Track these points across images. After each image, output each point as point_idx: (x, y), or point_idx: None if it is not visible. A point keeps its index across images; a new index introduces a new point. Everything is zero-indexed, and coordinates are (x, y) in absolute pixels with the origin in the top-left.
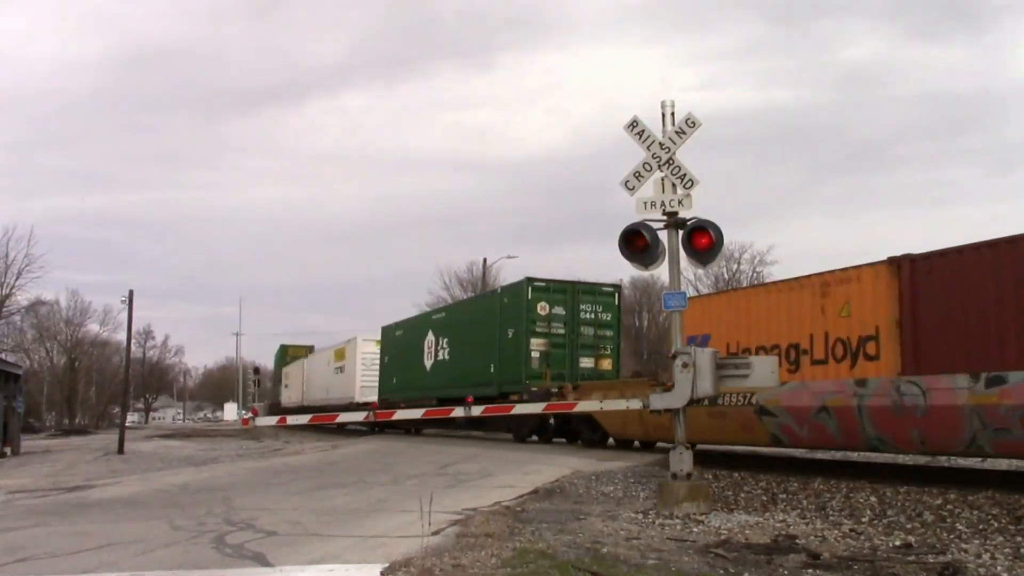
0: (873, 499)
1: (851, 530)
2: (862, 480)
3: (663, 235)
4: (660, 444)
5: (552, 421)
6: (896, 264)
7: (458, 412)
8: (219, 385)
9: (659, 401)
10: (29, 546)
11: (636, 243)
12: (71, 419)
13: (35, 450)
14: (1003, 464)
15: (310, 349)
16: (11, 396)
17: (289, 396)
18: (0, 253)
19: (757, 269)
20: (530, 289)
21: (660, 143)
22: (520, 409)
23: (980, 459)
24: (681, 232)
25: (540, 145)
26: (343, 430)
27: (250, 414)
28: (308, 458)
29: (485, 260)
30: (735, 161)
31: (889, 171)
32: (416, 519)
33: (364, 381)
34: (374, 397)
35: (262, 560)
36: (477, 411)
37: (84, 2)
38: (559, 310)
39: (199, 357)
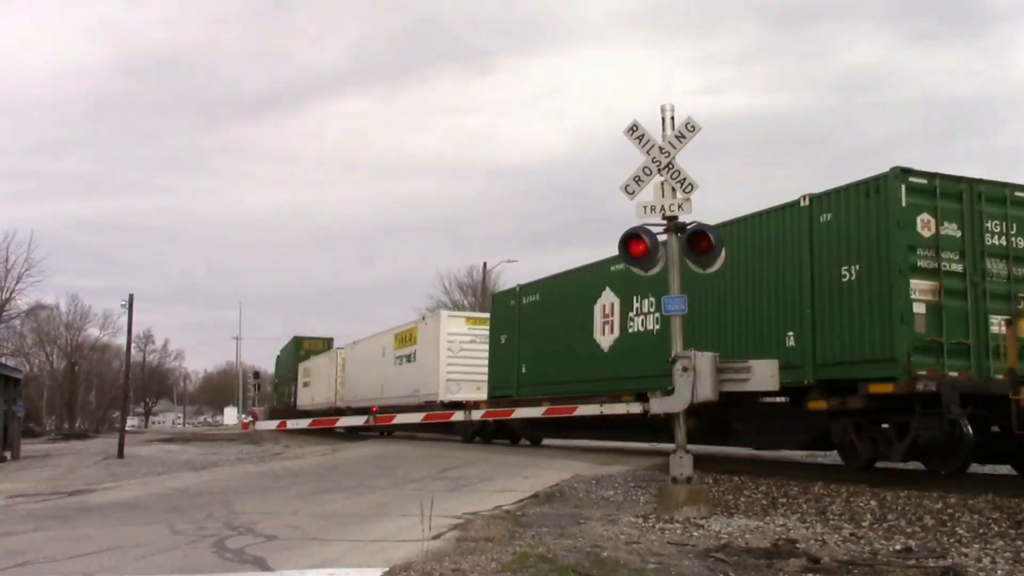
0: (873, 503)
1: (851, 534)
2: (862, 484)
3: (663, 239)
4: (660, 447)
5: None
6: None
7: (457, 416)
8: (219, 389)
9: (659, 405)
10: (29, 550)
11: (636, 247)
12: (71, 423)
13: (35, 454)
14: (1004, 468)
15: (329, 342)
16: (11, 400)
17: (313, 396)
18: (0, 257)
19: None
20: (904, 190)
21: (660, 147)
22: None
23: (981, 464)
24: (681, 236)
25: (540, 149)
26: (353, 434)
27: (250, 418)
28: (308, 462)
29: (485, 264)
30: (735, 164)
31: None
32: (416, 523)
33: (451, 372)
34: (470, 393)
35: (262, 564)
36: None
37: (86, 8)
38: (952, 228)
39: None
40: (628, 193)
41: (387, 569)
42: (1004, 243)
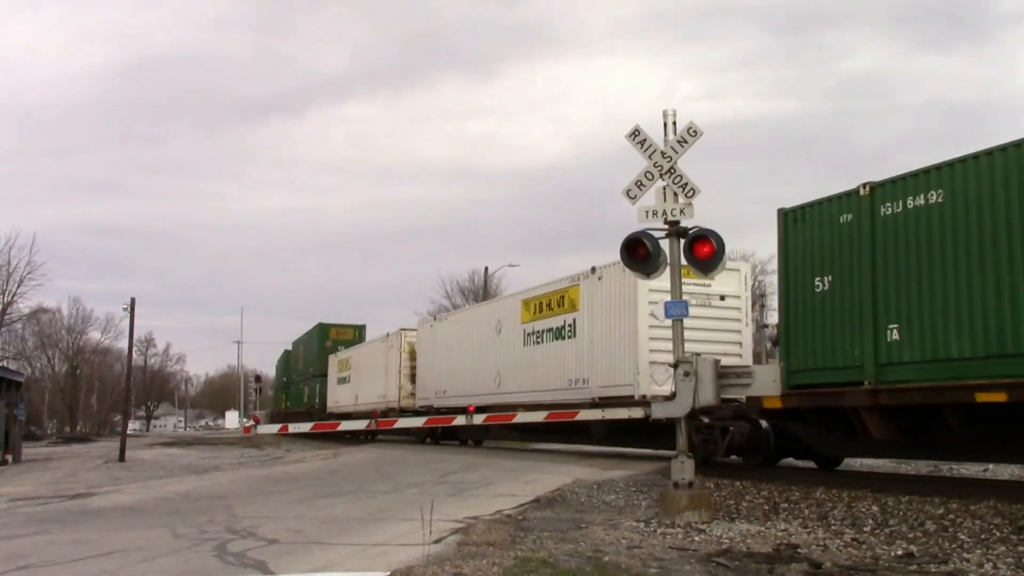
0: (875, 508)
1: (853, 539)
2: (864, 489)
3: (665, 244)
4: (661, 452)
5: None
6: None
7: (459, 420)
8: (220, 393)
9: (661, 410)
10: (30, 554)
11: (638, 252)
12: (72, 427)
13: (36, 458)
14: (1005, 473)
15: (360, 330)
16: (13, 404)
17: (356, 395)
18: (2, 261)
19: (759, 278)
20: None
21: (662, 152)
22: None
23: (982, 468)
24: (683, 241)
25: (543, 154)
26: (345, 437)
27: (252, 422)
28: (309, 466)
29: (487, 268)
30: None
31: None
32: (417, 527)
33: (656, 352)
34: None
35: (264, 568)
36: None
37: (89, 12)
38: None
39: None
40: (630, 198)
41: (388, 573)
42: None
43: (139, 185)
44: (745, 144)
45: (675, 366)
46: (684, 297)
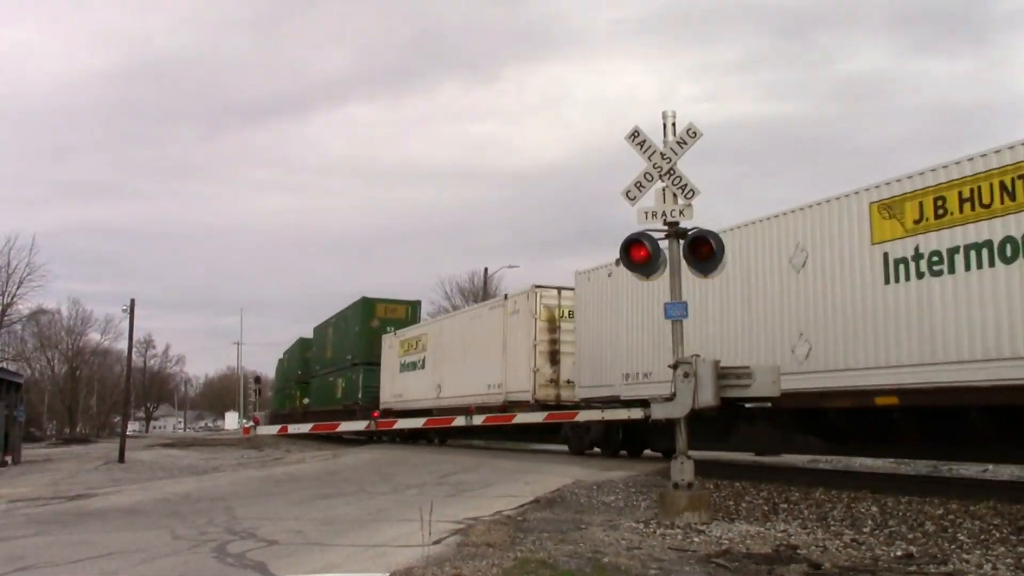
0: (874, 509)
1: (852, 540)
2: (864, 490)
3: (664, 245)
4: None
5: None
6: None
7: (459, 421)
8: (220, 394)
9: (660, 411)
10: (30, 555)
11: (638, 253)
12: (72, 428)
13: (36, 459)
14: (1005, 474)
15: (415, 306)
16: (12, 405)
17: (440, 385)
18: (2, 262)
19: None
20: None
21: (661, 153)
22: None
23: (982, 469)
24: (683, 242)
25: (543, 156)
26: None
27: (251, 423)
28: (309, 467)
29: (486, 270)
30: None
31: None
32: (417, 528)
33: None
34: None
35: (263, 570)
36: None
37: (90, 15)
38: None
39: (200, 366)
40: (629, 199)
41: (388, 574)
42: None
43: (139, 186)
44: (745, 144)
45: (675, 367)
46: None
